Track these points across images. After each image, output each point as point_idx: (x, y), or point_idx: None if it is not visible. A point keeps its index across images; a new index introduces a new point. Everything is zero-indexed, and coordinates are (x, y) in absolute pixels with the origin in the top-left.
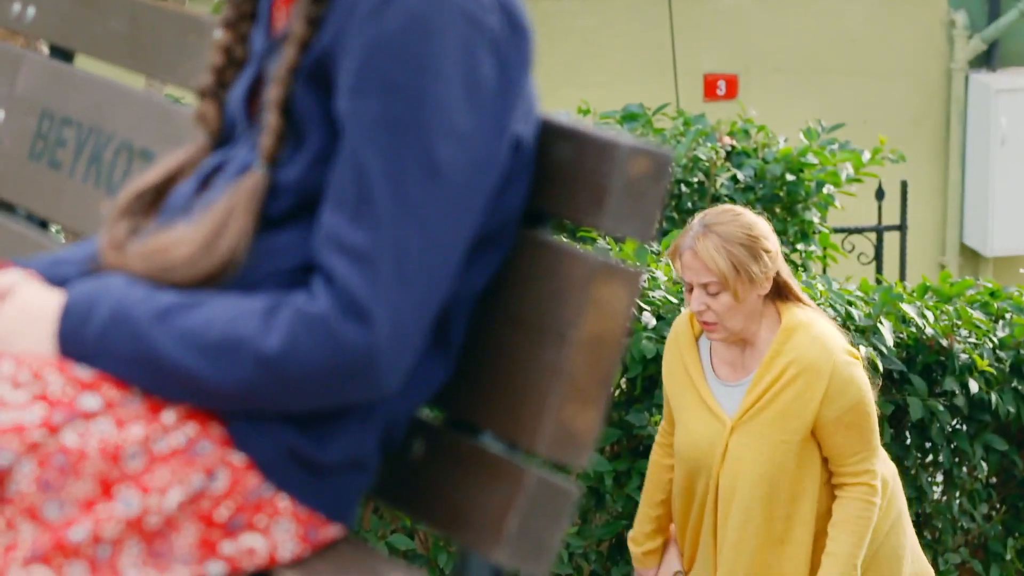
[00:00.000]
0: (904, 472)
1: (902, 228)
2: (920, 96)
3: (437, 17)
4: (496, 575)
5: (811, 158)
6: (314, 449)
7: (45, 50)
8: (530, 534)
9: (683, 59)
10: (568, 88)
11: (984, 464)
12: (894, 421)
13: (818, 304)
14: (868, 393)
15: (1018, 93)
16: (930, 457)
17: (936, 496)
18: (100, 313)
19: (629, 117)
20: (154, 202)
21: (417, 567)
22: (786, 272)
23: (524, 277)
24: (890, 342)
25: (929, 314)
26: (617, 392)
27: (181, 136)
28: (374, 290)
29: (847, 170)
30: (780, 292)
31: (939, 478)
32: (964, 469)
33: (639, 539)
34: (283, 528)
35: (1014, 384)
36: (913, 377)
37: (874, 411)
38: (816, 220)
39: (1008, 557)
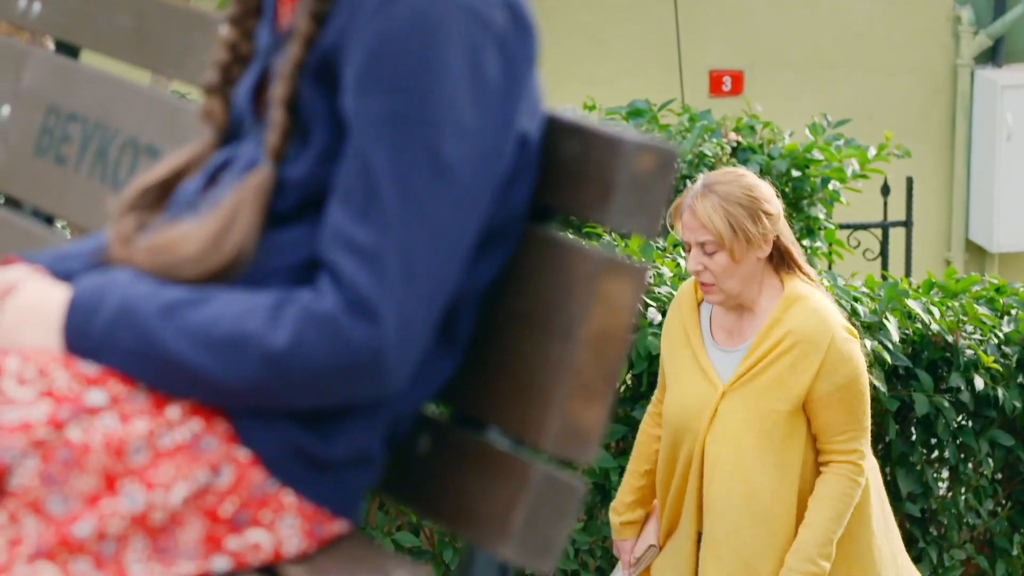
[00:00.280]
0: (909, 468)
1: (908, 224)
2: (926, 92)
3: (442, 14)
4: (502, 571)
5: (817, 154)
6: (319, 445)
7: (51, 46)
8: (536, 530)
9: (688, 55)
10: (573, 84)
11: (990, 460)
12: (900, 417)
13: None
14: (863, 372)
15: None
16: (936, 453)
17: (942, 492)
18: (106, 308)
19: (634, 113)
20: (160, 198)
21: (423, 563)
22: (789, 239)
23: (530, 273)
24: (896, 338)
25: (935, 310)
26: (623, 388)
27: (187, 132)
28: (381, 288)
29: (853, 166)
30: (784, 261)
31: (945, 474)
32: (970, 465)
33: (619, 509)
34: (288, 524)
35: (1020, 380)
36: (919, 373)
37: (867, 391)
38: (822, 216)
39: (1014, 553)
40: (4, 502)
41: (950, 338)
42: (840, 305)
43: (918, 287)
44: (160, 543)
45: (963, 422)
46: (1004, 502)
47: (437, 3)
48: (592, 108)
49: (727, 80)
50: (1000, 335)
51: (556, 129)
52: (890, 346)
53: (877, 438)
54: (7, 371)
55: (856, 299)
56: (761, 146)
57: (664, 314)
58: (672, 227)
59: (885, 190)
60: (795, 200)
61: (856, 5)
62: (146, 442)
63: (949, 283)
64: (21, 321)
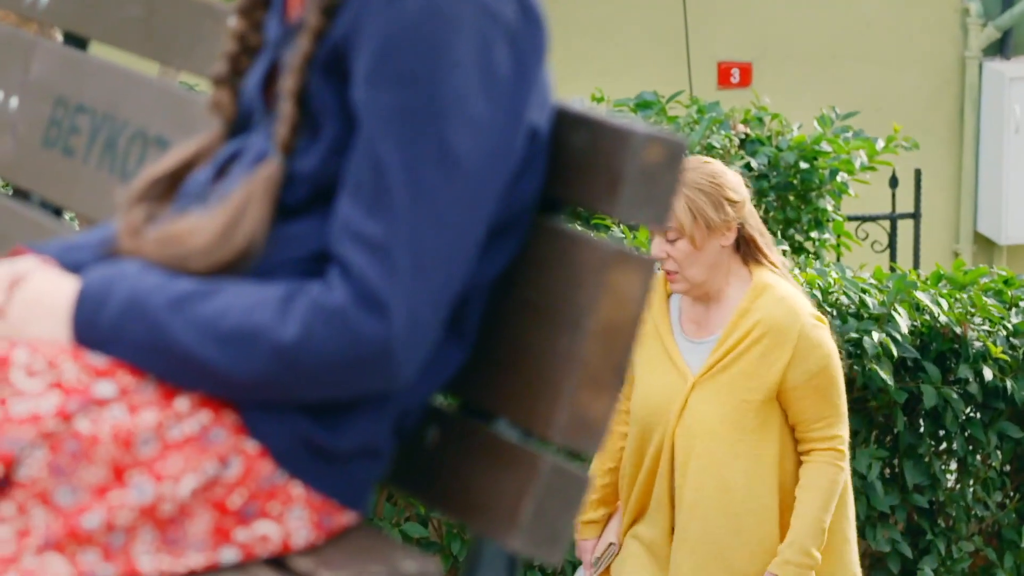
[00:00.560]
0: (918, 460)
1: (916, 216)
2: (934, 84)
3: (453, 7)
4: (511, 562)
5: (825, 146)
6: (328, 436)
7: (59, 37)
8: (545, 521)
9: (697, 47)
10: (581, 76)
11: (998, 452)
12: (908, 409)
13: (832, 292)
14: (835, 357)
15: None
16: (944, 445)
17: (950, 484)
18: (115, 300)
19: (643, 105)
20: (169, 189)
21: (431, 555)
22: (756, 227)
23: (539, 264)
24: (904, 330)
25: (943, 302)
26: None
27: (195, 124)
28: (390, 281)
29: (861, 158)
30: (751, 250)
31: (953, 466)
32: (978, 457)
33: None
34: (297, 515)
35: None
36: (927, 365)
37: (841, 376)
38: (830, 208)
39: (1023, 545)
40: (12, 493)
41: (958, 330)
42: (848, 297)
43: (926, 279)
44: (169, 535)
45: (971, 414)
46: (1012, 494)
47: None
48: (600, 100)
49: (735, 72)
50: (1009, 326)
51: (565, 121)
52: (898, 338)
53: (885, 430)
54: (16, 363)
55: (864, 291)
56: (769, 138)
57: None
58: None
59: (893, 182)
60: (803, 192)
61: None
62: (155, 434)
63: (957, 275)
64: (30, 313)
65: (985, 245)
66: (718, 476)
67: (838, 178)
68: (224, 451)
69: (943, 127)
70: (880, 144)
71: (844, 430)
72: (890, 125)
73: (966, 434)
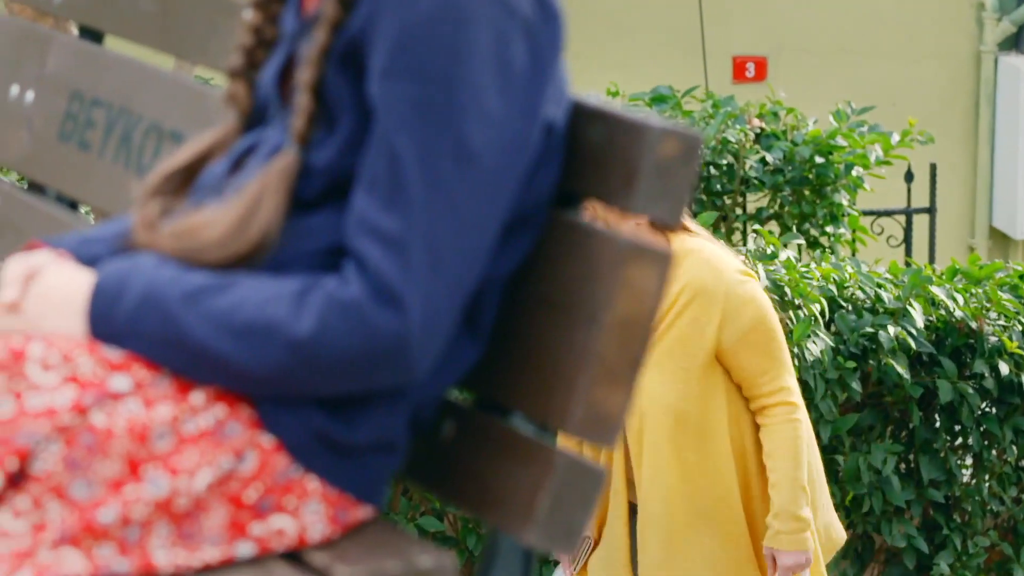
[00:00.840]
0: (933, 455)
1: (931, 210)
2: (949, 78)
3: (469, 1)
4: (526, 556)
5: (840, 140)
6: (343, 431)
7: (75, 31)
8: (560, 515)
9: (712, 41)
10: (596, 70)
11: (1014, 447)
12: (923, 404)
13: (847, 286)
14: (768, 309)
15: None
16: (959, 440)
17: (965, 479)
18: (130, 294)
19: (658, 99)
20: (185, 182)
21: (447, 549)
22: None
23: (555, 259)
24: (920, 324)
25: (959, 296)
26: None
27: (211, 117)
28: (406, 276)
29: (876, 152)
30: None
31: (968, 461)
32: (994, 452)
33: None
34: (312, 510)
35: None
36: (943, 360)
37: (778, 327)
38: (845, 202)
39: None
40: (28, 487)
41: (974, 325)
42: (863, 292)
43: (942, 274)
44: (184, 529)
45: (987, 409)
46: None
47: None
48: (615, 94)
49: (750, 66)
50: None
51: (581, 115)
52: (914, 332)
53: (901, 425)
54: (31, 357)
55: (880, 286)
56: (784, 132)
57: None
58: None
59: (909, 177)
60: (819, 187)
61: None
62: (170, 428)
63: (973, 270)
64: (45, 306)
65: (1000, 240)
66: (672, 447)
67: (853, 173)
68: (239, 445)
69: (958, 122)
70: (895, 138)
71: (791, 380)
72: (905, 120)
73: (982, 429)
